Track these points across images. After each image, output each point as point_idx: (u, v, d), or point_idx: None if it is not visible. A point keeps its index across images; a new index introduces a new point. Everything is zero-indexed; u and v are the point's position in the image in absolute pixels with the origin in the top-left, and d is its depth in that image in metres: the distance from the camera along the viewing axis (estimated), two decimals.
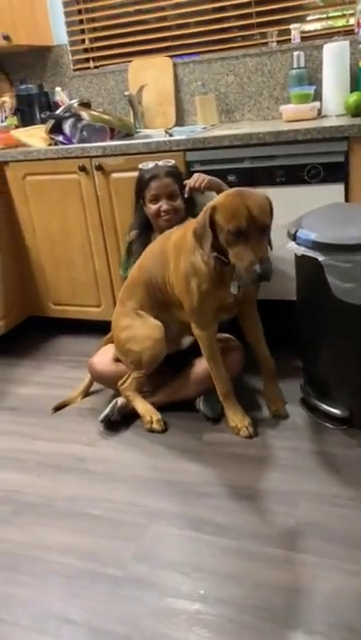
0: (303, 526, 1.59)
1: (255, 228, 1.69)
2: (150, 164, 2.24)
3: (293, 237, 1.87)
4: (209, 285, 1.88)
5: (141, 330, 2.10)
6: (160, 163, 2.24)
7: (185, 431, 2.08)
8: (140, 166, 2.26)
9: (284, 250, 1.88)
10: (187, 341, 2.19)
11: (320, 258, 1.75)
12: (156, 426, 2.07)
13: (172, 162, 2.26)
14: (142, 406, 2.11)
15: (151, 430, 2.08)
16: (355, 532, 1.54)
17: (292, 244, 1.88)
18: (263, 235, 1.73)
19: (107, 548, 1.61)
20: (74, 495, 1.83)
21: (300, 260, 1.91)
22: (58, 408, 2.34)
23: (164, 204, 2.19)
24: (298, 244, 1.85)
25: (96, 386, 2.41)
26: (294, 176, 2.21)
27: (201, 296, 1.90)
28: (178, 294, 1.98)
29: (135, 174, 2.44)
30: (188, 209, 2.25)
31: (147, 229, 2.31)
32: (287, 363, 2.28)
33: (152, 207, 2.21)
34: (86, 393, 2.40)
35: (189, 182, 2.17)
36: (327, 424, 2.01)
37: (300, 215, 1.97)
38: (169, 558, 1.54)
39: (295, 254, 1.89)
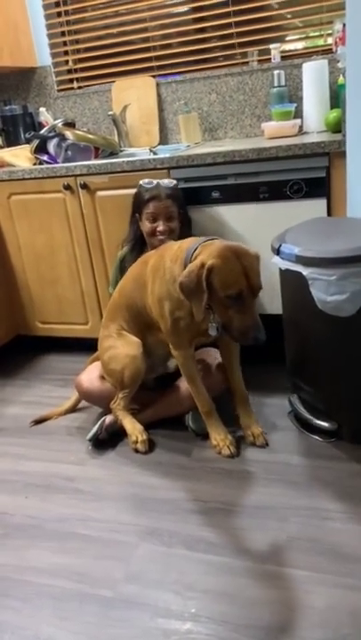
0: (294, 541, 1.58)
1: (251, 293, 1.69)
2: (152, 182, 2.23)
3: (277, 252, 1.89)
4: (183, 314, 1.87)
5: (121, 349, 2.10)
6: (162, 182, 2.23)
7: (174, 448, 2.07)
8: (140, 182, 2.25)
9: (268, 264, 1.90)
10: (173, 364, 2.20)
11: (304, 271, 1.77)
12: (140, 447, 2.06)
13: (174, 182, 2.25)
14: (130, 425, 2.10)
15: (136, 450, 2.06)
16: (346, 546, 1.54)
17: (276, 259, 1.90)
18: (256, 297, 1.72)
19: (96, 568, 1.58)
20: (63, 515, 1.81)
21: (285, 275, 1.92)
22: (37, 422, 2.35)
23: (160, 225, 2.20)
24: (282, 258, 1.87)
25: (84, 404, 2.39)
26: (277, 192, 2.23)
27: (174, 321, 1.90)
28: (156, 317, 1.99)
29: (121, 192, 2.47)
30: (184, 229, 2.26)
31: (140, 244, 2.31)
32: (275, 376, 2.29)
33: (148, 225, 2.22)
34: (71, 410, 2.40)
35: None
36: (316, 437, 2.01)
37: (284, 230, 1.99)
38: (160, 577, 1.53)
39: (280, 268, 1.91)
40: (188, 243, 1.87)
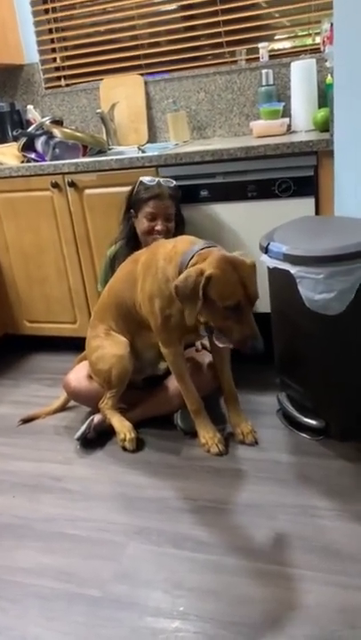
0: (283, 539, 1.58)
1: (248, 303, 1.68)
2: (154, 180, 2.20)
3: (265, 250, 1.89)
4: (173, 312, 1.87)
5: (109, 349, 2.09)
6: (162, 181, 2.21)
7: (163, 447, 2.07)
8: (140, 179, 2.22)
9: (257, 263, 1.90)
10: (163, 366, 2.19)
11: (292, 270, 1.77)
12: (128, 445, 2.05)
13: (174, 182, 2.24)
14: (119, 424, 2.10)
15: (124, 448, 2.06)
16: (335, 543, 1.54)
17: (264, 257, 1.90)
18: (253, 306, 1.71)
19: (85, 568, 1.58)
20: (51, 515, 1.80)
21: (273, 273, 1.93)
22: (25, 421, 2.34)
23: (159, 225, 2.18)
24: (270, 256, 1.87)
25: (73, 403, 2.38)
26: (265, 190, 2.24)
27: (165, 319, 1.90)
28: (145, 314, 1.98)
29: (109, 190, 2.46)
30: (179, 230, 2.25)
31: (133, 242, 2.28)
32: (264, 375, 2.29)
33: (146, 223, 2.20)
34: (60, 410, 2.39)
35: None
36: (304, 435, 2.01)
37: (272, 229, 1.99)
38: (148, 576, 1.52)
39: (268, 267, 1.91)
40: (184, 246, 1.85)
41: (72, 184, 2.52)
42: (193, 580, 1.49)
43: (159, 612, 1.41)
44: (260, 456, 1.95)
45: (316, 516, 1.65)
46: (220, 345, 1.81)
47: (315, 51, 2.67)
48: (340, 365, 1.85)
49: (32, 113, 3.10)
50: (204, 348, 2.24)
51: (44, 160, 2.70)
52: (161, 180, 2.22)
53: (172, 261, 1.84)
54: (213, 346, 2.06)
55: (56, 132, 2.71)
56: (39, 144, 2.73)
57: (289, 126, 2.54)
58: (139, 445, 2.07)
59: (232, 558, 1.54)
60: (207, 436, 1.99)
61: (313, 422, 1.98)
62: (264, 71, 2.64)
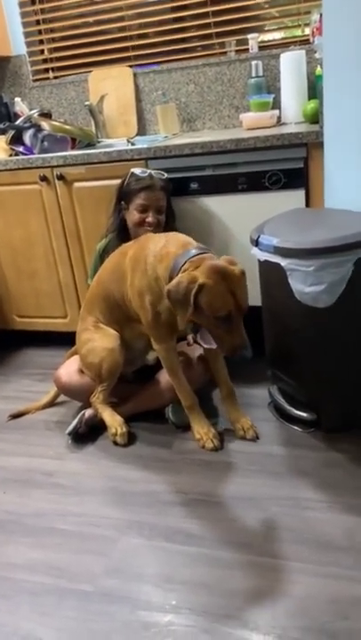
0: (274, 531, 1.58)
1: (238, 313, 1.68)
2: (146, 172, 2.18)
3: (256, 243, 1.88)
4: (164, 308, 1.85)
5: (99, 342, 2.08)
6: (153, 172, 2.19)
7: (155, 441, 2.06)
8: (132, 170, 2.20)
9: (248, 255, 1.90)
10: (152, 357, 2.18)
11: (282, 262, 1.77)
12: (119, 439, 2.04)
13: (165, 175, 2.22)
14: (110, 418, 2.09)
15: (115, 443, 2.05)
16: (326, 535, 1.55)
17: (254, 250, 1.90)
18: (242, 316, 1.71)
19: (76, 563, 1.57)
20: (42, 510, 1.79)
21: (264, 266, 1.92)
22: (15, 416, 2.33)
23: (150, 217, 2.16)
24: (260, 249, 1.86)
25: (63, 398, 2.37)
26: (256, 183, 2.23)
27: (155, 314, 1.89)
28: (135, 309, 1.97)
29: (98, 183, 2.44)
30: (169, 223, 2.23)
31: (123, 235, 2.25)
32: (255, 368, 2.29)
33: (137, 215, 2.18)
34: (50, 405, 2.38)
35: None
36: (296, 427, 2.01)
37: (263, 221, 1.98)
38: (140, 570, 1.52)
39: (258, 260, 1.91)
40: (177, 248, 1.82)
41: (61, 177, 2.50)
42: (185, 574, 1.49)
43: (151, 606, 1.41)
44: (252, 449, 1.95)
45: (308, 508, 1.65)
46: (205, 346, 1.82)
47: (304, 42, 2.66)
48: (331, 357, 1.85)
49: (20, 105, 3.06)
50: (195, 342, 2.23)
51: (32, 153, 2.67)
52: (152, 171, 2.20)
53: (162, 261, 1.82)
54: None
55: (44, 124, 2.68)
56: (27, 137, 2.70)
57: (279, 118, 2.53)
58: (130, 439, 2.06)
59: (224, 551, 1.54)
60: (202, 431, 1.99)
61: (304, 415, 1.99)
62: (254, 63, 2.62)
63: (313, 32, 2.47)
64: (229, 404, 2.06)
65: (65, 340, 2.61)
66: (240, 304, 1.68)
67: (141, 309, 1.93)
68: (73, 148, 2.70)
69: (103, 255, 2.30)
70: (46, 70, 3.19)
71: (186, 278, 1.67)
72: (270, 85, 2.70)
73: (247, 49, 2.73)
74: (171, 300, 1.72)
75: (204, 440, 1.97)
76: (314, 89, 2.47)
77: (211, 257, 1.76)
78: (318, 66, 2.31)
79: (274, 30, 2.81)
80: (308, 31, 2.64)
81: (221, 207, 2.32)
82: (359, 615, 1.31)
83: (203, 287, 1.65)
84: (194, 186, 2.32)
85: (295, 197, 2.19)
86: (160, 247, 1.86)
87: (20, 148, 2.71)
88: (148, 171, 2.20)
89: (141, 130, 3.01)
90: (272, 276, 1.87)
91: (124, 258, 2.01)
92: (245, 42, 2.73)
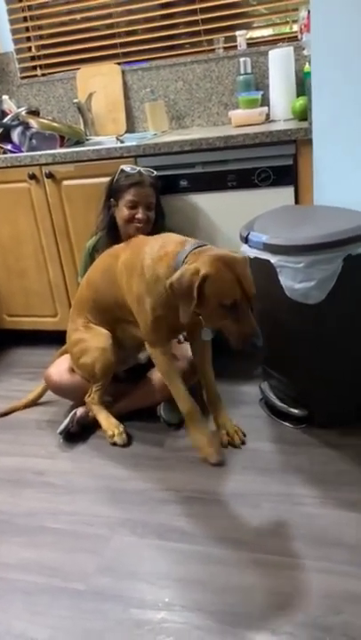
0: (267, 527, 1.59)
1: (245, 300, 1.65)
2: (135, 168, 2.18)
3: (245, 240, 1.88)
4: (165, 312, 1.82)
5: (91, 342, 2.07)
6: (143, 169, 2.18)
7: (147, 439, 2.06)
8: (121, 167, 2.19)
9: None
10: (144, 355, 2.17)
11: (272, 259, 1.77)
12: (118, 440, 2.03)
13: (154, 172, 2.21)
14: (106, 422, 2.08)
15: (114, 444, 2.04)
16: (319, 531, 1.55)
17: (244, 247, 1.90)
18: (250, 303, 1.67)
19: (69, 562, 1.57)
20: (33, 509, 1.79)
21: (253, 263, 1.91)
22: (2, 415, 2.33)
23: (140, 213, 2.15)
24: (250, 246, 1.87)
25: (51, 397, 2.36)
26: (245, 180, 2.23)
27: (155, 318, 1.84)
28: (135, 314, 1.92)
29: (87, 181, 2.43)
30: (158, 221, 2.22)
31: (113, 233, 2.24)
32: (245, 364, 2.29)
33: (126, 211, 2.16)
34: (36, 400, 2.38)
35: None
36: (287, 424, 2.02)
37: (252, 218, 1.99)
38: (133, 568, 1.52)
39: (248, 257, 1.91)
40: (175, 246, 1.79)
41: (50, 175, 2.48)
42: (178, 571, 1.49)
43: (144, 604, 1.41)
44: (244, 446, 1.95)
45: (300, 504, 1.66)
46: (205, 338, 1.80)
47: (292, 39, 2.66)
48: (322, 353, 1.86)
49: (7, 103, 3.03)
50: (185, 339, 2.23)
51: (20, 151, 2.65)
52: (142, 169, 2.20)
53: (162, 261, 1.78)
54: (194, 346, 2.03)
55: (32, 122, 2.67)
56: (15, 135, 2.69)
57: (268, 115, 2.53)
58: (128, 439, 2.05)
59: (217, 548, 1.54)
60: (202, 443, 1.89)
61: (295, 411, 1.99)
62: (242, 60, 2.62)
63: (301, 29, 2.47)
64: (215, 409, 2.03)
65: (55, 339, 2.61)
66: (247, 290, 1.64)
67: (141, 314, 1.89)
68: (62, 145, 2.68)
69: (93, 253, 2.29)
70: (34, 68, 3.17)
71: (189, 270, 1.64)
72: (259, 82, 2.70)
73: (235, 46, 2.73)
74: (174, 293, 1.69)
75: (207, 454, 1.88)
76: (302, 86, 2.47)
77: (211, 248, 1.74)
78: (307, 63, 2.31)
79: (262, 27, 2.80)
80: (296, 28, 2.64)
81: (211, 204, 2.31)
82: (353, 610, 1.32)
83: (207, 277, 1.61)
84: (183, 183, 2.31)
85: (285, 194, 2.20)
86: (157, 249, 1.82)
87: (8, 146, 2.69)
88: (138, 168, 2.19)
89: (130, 127, 3.00)
90: (262, 273, 1.87)
91: (115, 261, 1.98)
92: (234, 39, 2.73)
